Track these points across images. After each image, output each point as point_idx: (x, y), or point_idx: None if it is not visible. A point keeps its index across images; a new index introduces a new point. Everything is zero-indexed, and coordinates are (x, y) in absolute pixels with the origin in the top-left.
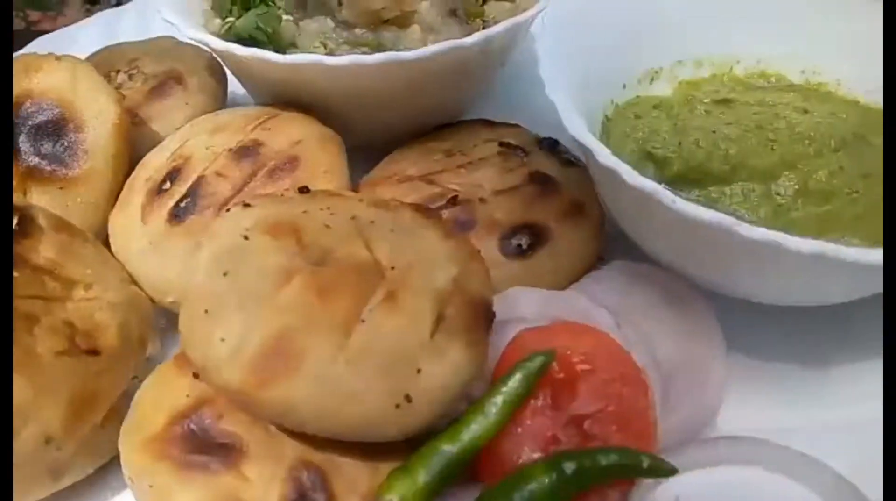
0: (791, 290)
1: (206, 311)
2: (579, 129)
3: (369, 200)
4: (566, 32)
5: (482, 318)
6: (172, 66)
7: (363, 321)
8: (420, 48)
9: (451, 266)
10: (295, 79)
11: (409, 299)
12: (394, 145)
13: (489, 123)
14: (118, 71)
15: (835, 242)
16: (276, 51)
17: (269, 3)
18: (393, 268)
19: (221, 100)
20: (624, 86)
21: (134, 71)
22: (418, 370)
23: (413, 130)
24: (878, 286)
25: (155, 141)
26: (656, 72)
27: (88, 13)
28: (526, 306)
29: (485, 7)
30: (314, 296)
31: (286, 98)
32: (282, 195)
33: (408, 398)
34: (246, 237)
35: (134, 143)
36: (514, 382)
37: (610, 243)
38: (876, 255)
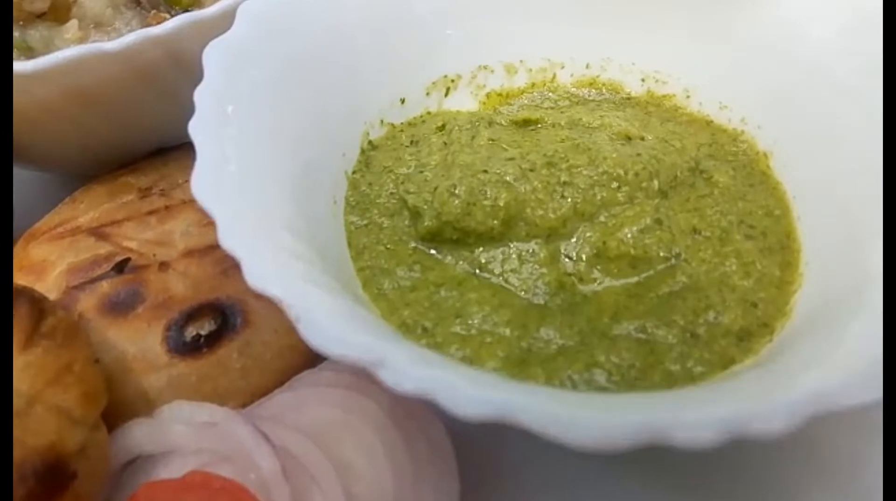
0: None
1: None
2: (199, 185)
3: None
4: (273, 25)
5: (36, 487)
6: None
7: None
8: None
9: None
10: None
11: None
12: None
13: None
14: None
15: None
16: None
17: None
18: None
19: None
20: (403, 100)
21: None
22: None
23: (124, 155)
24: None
25: None
26: (452, 80)
27: None
28: (183, 433)
29: None
30: None
31: None
32: None
33: None
34: None
35: None
36: None
37: None
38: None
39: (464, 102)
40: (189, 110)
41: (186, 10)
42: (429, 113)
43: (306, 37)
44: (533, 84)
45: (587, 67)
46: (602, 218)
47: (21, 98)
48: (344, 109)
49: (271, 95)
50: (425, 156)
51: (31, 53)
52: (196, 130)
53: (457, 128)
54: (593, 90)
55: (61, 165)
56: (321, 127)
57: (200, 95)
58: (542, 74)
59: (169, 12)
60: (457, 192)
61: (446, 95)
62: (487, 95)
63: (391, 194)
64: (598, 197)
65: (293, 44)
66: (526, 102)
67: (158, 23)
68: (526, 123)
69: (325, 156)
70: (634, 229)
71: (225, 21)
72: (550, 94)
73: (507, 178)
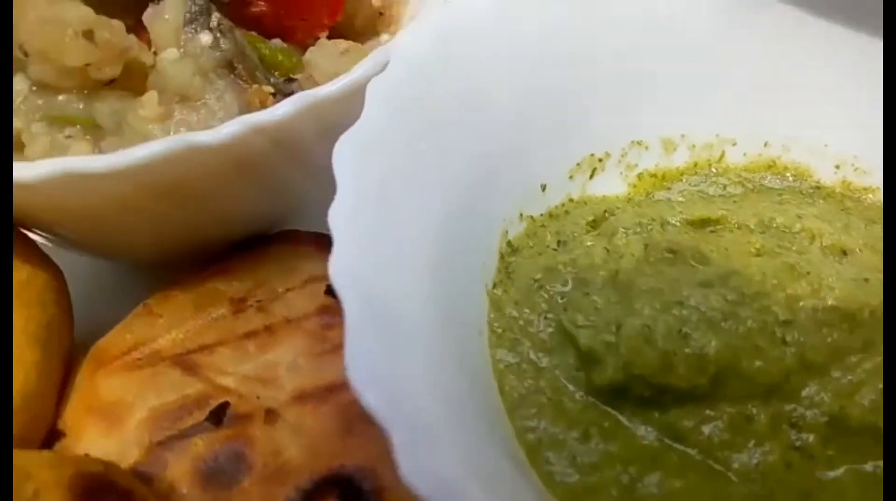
0: None
1: None
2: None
3: None
4: (404, 106)
5: None
6: None
7: None
8: (154, 133)
9: None
10: None
11: None
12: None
13: (321, 242)
14: None
15: None
16: None
17: None
18: None
19: None
20: (544, 187)
21: None
22: None
23: (209, 246)
24: None
25: None
26: (600, 160)
27: None
28: None
29: (309, 53)
30: None
31: None
32: None
33: None
34: None
35: None
36: None
37: None
38: None
39: (611, 184)
40: (290, 196)
41: (288, 77)
42: (571, 200)
43: (437, 117)
44: (695, 164)
45: (765, 145)
46: (835, 372)
47: (84, 196)
48: (480, 205)
49: (406, 208)
50: (585, 268)
51: (97, 132)
52: (342, 279)
53: (621, 231)
54: (772, 175)
55: (129, 257)
56: (458, 232)
57: (337, 218)
58: (708, 151)
59: (267, 79)
60: (656, 336)
61: (591, 177)
62: (639, 176)
63: (546, 317)
64: (828, 342)
65: (422, 127)
66: (687, 186)
67: (261, 101)
68: (704, 223)
69: (465, 269)
70: (880, 388)
71: (343, 102)
72: (717, 177)
73: (713, 315)
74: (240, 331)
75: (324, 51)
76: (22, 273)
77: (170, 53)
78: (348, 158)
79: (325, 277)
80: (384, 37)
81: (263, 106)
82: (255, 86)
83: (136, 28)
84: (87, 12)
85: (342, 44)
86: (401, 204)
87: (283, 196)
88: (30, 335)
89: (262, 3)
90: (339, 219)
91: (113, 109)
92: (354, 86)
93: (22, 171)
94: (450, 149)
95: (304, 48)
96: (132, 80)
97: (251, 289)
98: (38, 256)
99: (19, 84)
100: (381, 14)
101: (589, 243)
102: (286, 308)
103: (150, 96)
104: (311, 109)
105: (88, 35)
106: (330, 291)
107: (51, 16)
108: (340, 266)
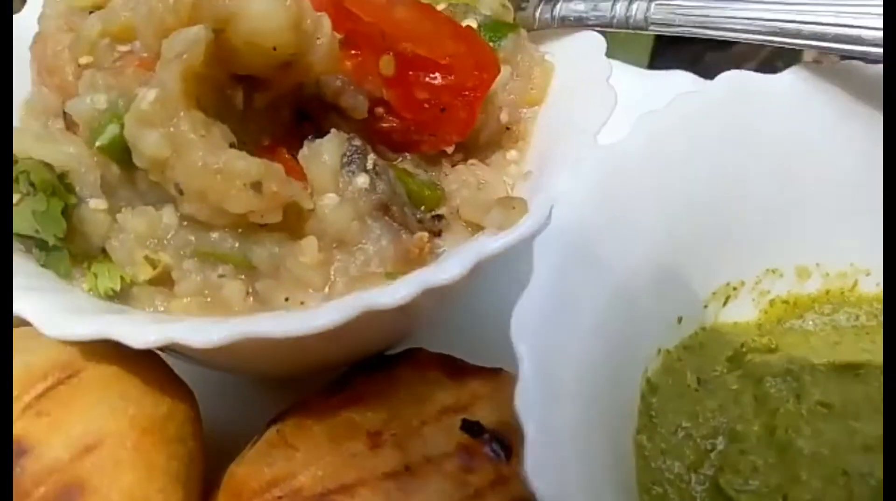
0: None
1: None
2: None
3: None
4: (571, 253)
5: None
6: None
7: None
8: (313, 279)
9: None
10: None
11: None
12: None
13: (452, 368)
14: None
15: None
16: (76, 262)
17: (66, 183)
18: None
19: None
20: (680, 319)
21: None
22: None
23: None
24: None
25: None
26: (735, 288)
27: None
28: None
29: (449, 183)
30: None
31: None
32: None
33: None
34: None
35: None
36: None
37: None
38: None
39: (742, 311)
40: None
41: (436, 214)
42: (703, 329)
43: (591, 262)
44: (827, 292)
45: None
46: None
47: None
48: (624, 348)
49: (570, 372)
50: (735, 419)
51: (252, 273)
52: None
53: (769, 379)
54: None
55: (254, 375)
56: (606, 382)
57: (525, 411)
58: (841, 280)
59: (414, 215)
60: None
61: (724, 304)
62: (771, 303)
63: (696, 472)
64: None
65: (581, 279)
66: (819, 315)
67: (420, 250)
68: (849, 368)
69: (615, 418)
70: None
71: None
72: (850, 307)
73: (877, 486)
74: (379, 470)
75: (461, 178)
76: (162, 407)
77: (330, 199)
78: (526, 335)
79: (456, 408)
80: (511, 153)
81: (421, 252)
82: (414, 235)
83: (273, 148)
84: (257, 164)
85: (480, 172)
86: (567, 371)
87: (418, 322)
88: (172, 475)
89: (394, 119)
90: (528, 414)
91: (271, 253)
92: (518, 241)
93: (195, 337)
94: (600, 295)
95: (428, 160)
96: (289, 221)
97: (386, 421)
98: (174, 384)
99: (168, 218)
100: (507, 129)
101: (734, 387)
102: (423, 445)
103: (310, 243)
104: (477, 264)
105: (257, 187)
106: (466, 427)
107: (218, 165)
108: (541, 478)
